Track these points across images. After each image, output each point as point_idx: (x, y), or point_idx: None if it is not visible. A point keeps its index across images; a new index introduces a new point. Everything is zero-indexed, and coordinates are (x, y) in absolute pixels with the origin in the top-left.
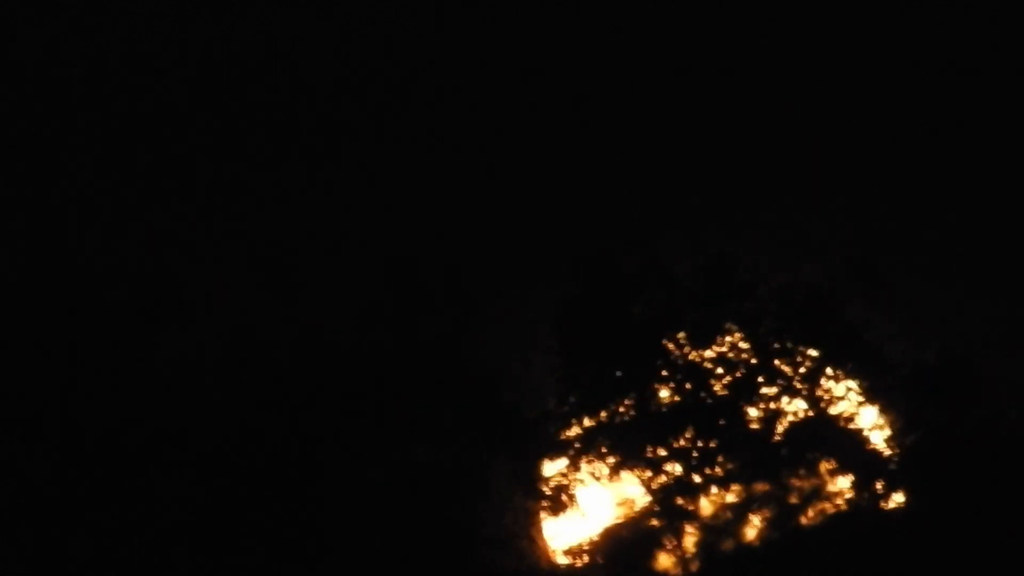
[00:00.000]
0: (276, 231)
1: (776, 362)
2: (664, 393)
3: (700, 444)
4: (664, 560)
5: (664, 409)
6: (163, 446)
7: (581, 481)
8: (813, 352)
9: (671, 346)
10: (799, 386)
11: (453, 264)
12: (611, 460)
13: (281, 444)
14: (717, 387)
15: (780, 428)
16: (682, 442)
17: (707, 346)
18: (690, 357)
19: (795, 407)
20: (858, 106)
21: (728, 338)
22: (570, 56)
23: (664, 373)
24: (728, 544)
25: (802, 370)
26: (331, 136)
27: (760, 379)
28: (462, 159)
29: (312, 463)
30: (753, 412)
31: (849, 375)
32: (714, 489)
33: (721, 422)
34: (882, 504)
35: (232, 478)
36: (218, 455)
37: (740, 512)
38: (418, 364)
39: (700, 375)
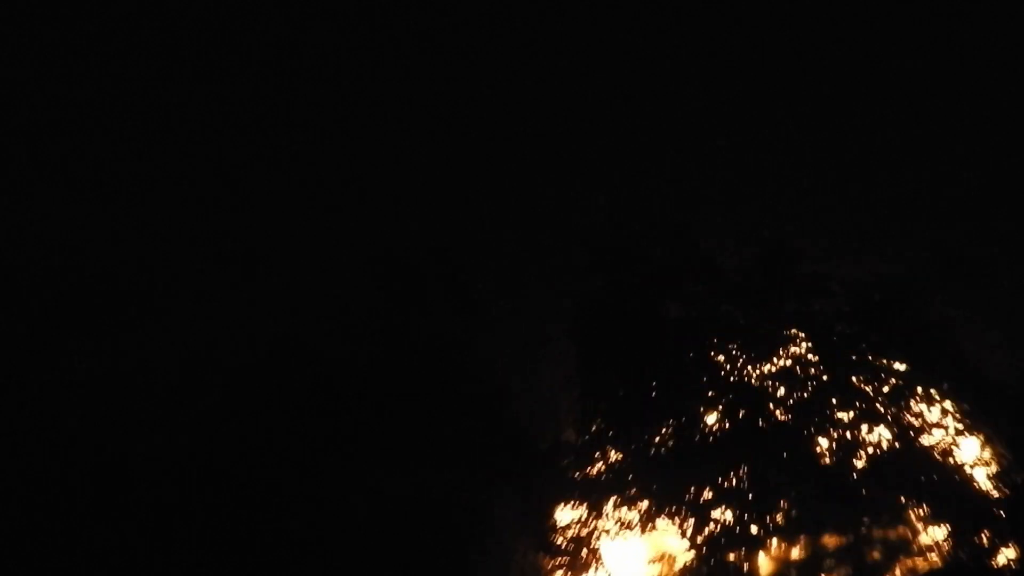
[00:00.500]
0: (251, 225)
1: (852, 379)
2: (711, 418)
3: (757, 484)
4: None
5: (711, 439)
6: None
7: (606, 531)
8: (899, 366)
9: (719, 358)
10: (881, 409)
11: (449, 259)
12: (643, 504)
13: (248, 466)
14: (778, 411)
15: (858, 463)
16: (734, 481)
17: (765, 358)
18: (744, 372)
19: (877, 436)
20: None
21: (792, 348)
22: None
23: (711, 393)
24: None
25: (885, 389)
26: (319, 125)
27: (832, 400)
28: (457, 141)
29: (284, 490)
30: (824, 442)
31: (945, 396)
32: (775, 541)
33: (783, 455)
34: (988, 561)
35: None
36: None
37: (808, 570)
38: (407, 376)
39: (756, 395)
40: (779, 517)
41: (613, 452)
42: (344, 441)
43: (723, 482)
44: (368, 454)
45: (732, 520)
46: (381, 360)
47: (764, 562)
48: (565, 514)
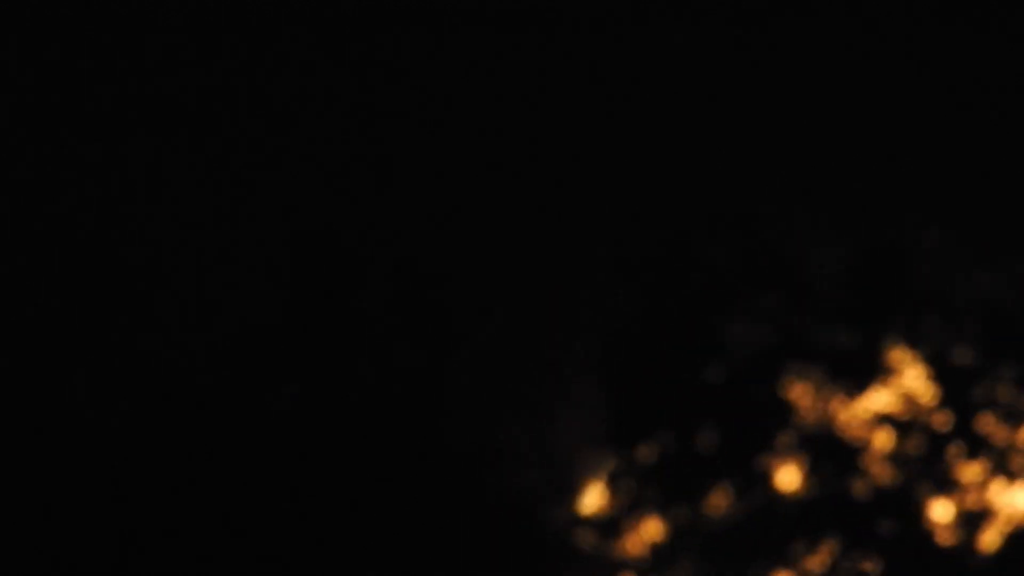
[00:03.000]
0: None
1: (981, 424)
2: (786, 478)
3: (849, 567)
4: None
5: (786, 506)
6: None
7: None
8: None
9: (798, 394)
10: (1022, 466)
11: (417, 265)
12: None
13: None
14: (878, 467)
15: (989, 539)
16: (817, 564)
17: (861, 395)
18: (831, 414)
19: (1015, 502)
20: None
21: (899, 381)
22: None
23: (786, 443)
24: None
25: None
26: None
27: (954, 453)
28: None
29: None
30: (942, 511)
31: None
32: None
33: (886, 528)
34: None
35: None
36: None
37: None
38: (354, 433)
39: (848, 445)
40: None
41: (653, 525)
42: (251, 533)
43: (801, 565)
44: (292, 552)
45: None
46: (311, 411)
47: None
48: None
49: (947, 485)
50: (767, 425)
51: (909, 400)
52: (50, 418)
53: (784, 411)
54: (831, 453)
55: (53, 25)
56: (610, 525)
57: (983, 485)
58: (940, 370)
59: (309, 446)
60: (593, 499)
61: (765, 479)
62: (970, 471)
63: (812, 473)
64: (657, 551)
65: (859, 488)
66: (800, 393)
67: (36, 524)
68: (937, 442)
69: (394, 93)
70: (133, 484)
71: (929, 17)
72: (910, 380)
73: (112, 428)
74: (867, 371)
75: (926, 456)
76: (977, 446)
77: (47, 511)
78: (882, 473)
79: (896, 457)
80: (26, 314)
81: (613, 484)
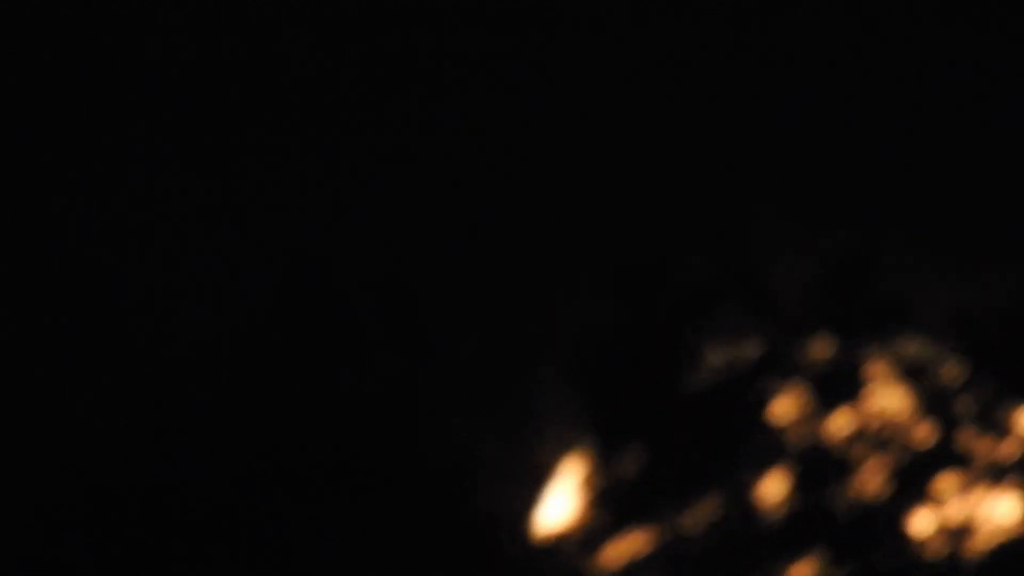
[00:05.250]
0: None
1: (964, 436)
2: (768, 493)
3: (832, 573)
4: None
5: (768, 521)
6: None
7: None
8: None
9: (779, 409)
10: (1006, 478)
11: (397, 277)
12: None
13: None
14: (862, 481)
15: (974, 552)
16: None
17: (842, 408)
18: (812, 428)
19: (1000, 514)
20: None
21: (880, 394)
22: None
23: (767, 458)
24: None
25: (1011, 451)
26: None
27: (938, 466)
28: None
29: None
30: (926, 524)
31: None
32: None
33: (870, 542)
34: None
35: None
36: None
37: None
38: (328, 446)
39: (830, 459)
40: None
41: (633, 541)
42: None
43: None
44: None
45: None
46: (287, 422)
47: None
48: None
49: (928, 498)
50: (747, 438)
51: (888, 414)
52: (50, 418)
53: (764, 424)
54: (812, 466)
55: (53, 25)
56: (589, 539)
57: (965, 498)
58: (919, 383)
59: (282, 459)
60: (572, 512)
61: (746, 492)
62: (951, 484)
63: (793, 486)
64: (636, 565)
65: (840, 503)
66: (780, 406)
67: (35, 525)
68: (917, 455)
69: (371, 100)
70: (131, 484)
71: (903, 23)
72: (888, 393)
73: (103, 432)
74: (846, 384)
75: (908, 468)
76: (958, 459)
77: (47, 511)
78: (863, 488)
79: (878, 469)
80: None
81: (593, 498)
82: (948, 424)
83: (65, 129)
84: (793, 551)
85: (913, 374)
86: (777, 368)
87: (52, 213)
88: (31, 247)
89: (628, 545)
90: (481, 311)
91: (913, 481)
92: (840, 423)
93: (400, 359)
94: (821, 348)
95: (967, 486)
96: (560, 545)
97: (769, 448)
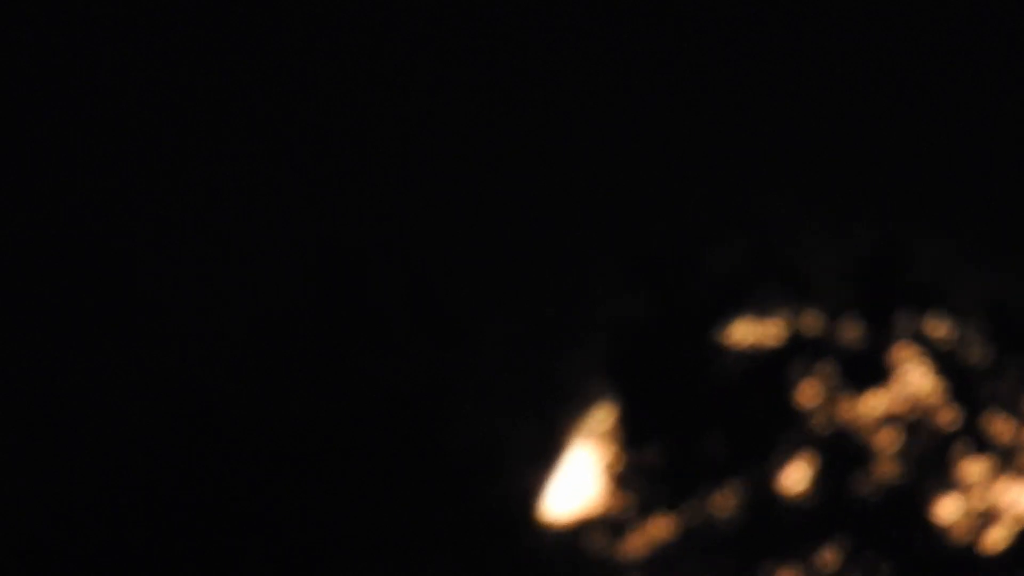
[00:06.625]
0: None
1: (987, 422)
2: (792, 478)
3: (857, 567)
4: None
5: (792, 507)
6: None
7: None
8: None
9: (804, 395)
10: None
11: (419, 267)
12: None
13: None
14: (885, 467)
15: (996, 537)
16: (825, 562)
17: (866, 394)
18: (837, 414)
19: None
20: None
21: (904, 379)
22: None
23: (792, 444)
24: None
25: None
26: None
27: (961, 451)
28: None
29: None
30: (949, 509)
31: None
32: None
33: (892, 528)
34: None
35: None
36: None
37: None
38: (356, 442)
39: (854, 445)
40: None
41: (658, 526)
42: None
43: (809, 565)
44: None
45: None
46: (316, 418)
47: None
48: None
49: (953, 483)
50: (774, 425)
51: (915, 399)
52: (50, 418)
53: (791, 411)
54: (836, 452)
55: (53, 25)
56: (616, 526)
57: (990, 484)
58: (946, 368)
59: (309, 445)
60: (598, 499)
61: (772, 479)
62: (977, 469)
63: (817, 472)
64: (663, 552)
65: (866, 487)
66: (807, 392)
67: (36, 524)
68: (944, 441)
69: (398, 92)
70: (133, 485)
71: (929, 16)
72: (916, 378)
73: (114, 429)
74: (873, 370)
75: (931, 453)
76: (984, 444)
77: (47, 511)
78: (889, 472)
79: (901, 455)
80: (25, 316)
81: (619, 484)
82: (975, 409)
83: (92, 116)
84: (820, 536)
85: (941, 359)
86: (806, 352)
87: (76, 203)
88: (56, 237)
89: (654, 530)
90: (509, 298)
91: (939, 466)
92: (868, 407)
93: (428, 347)
94: (850, 332)
95: (993, 472)
96: (586, 530)
97: (797, 433)
